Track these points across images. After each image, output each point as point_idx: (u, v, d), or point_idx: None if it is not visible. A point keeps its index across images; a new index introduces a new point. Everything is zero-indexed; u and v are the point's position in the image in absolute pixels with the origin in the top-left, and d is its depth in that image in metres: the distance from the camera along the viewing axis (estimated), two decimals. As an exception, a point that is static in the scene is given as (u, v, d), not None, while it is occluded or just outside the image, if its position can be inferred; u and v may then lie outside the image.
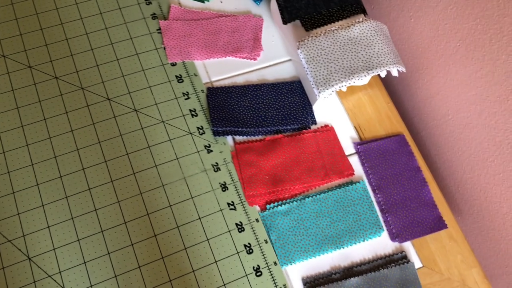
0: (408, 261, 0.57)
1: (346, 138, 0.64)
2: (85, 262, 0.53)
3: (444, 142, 0.65)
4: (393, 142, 0.64)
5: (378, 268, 0.56)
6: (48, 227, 0.54)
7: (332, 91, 0.59)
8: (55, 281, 0.52)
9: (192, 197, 0.58)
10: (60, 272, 0.52)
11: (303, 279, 0.55)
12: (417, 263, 0.58)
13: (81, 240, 0.54)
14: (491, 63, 0.52)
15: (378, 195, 0.60)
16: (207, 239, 0.56)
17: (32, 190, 0.56)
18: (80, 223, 0.55)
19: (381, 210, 0.60)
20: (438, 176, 0.68)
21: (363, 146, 0.63)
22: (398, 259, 0.57)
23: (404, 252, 0.58)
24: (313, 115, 0.65)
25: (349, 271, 0.56)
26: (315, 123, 0.64)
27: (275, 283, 0.54)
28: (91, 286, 0.52)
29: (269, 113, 0.64)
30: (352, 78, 0.58)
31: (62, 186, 0.57)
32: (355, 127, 0.65)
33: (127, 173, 0.58)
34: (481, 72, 0.54)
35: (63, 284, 0.52)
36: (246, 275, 0.54)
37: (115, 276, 0.53)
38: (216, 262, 0.55)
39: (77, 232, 0.54)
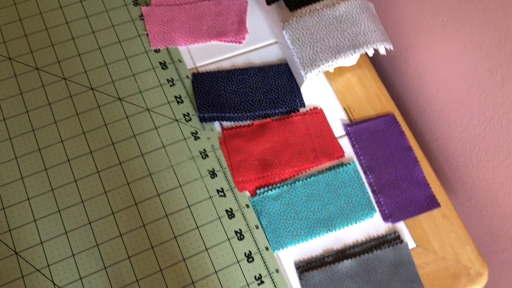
0: (402, 242, 0.56)
1: (336, 120, 0.63)
2: (73, 255, 0.52)
3: (435, 120, 0.64)
4: (383, 122, 0.63)
5: (371, 250, 0.55)
6: (35, 220, 0.53)
7: (319, 71, 0.58)
8: (43, 275, 0.51)
9: (180, 185, 0.57)
10: (48, 265, 0.52)
11: (295, 263, 0.54)
12: (410, 243, 0.57)
13: (68, 233, 0.53)
14: (479, 36, 0.51)
15: (369, 176, 0.60)
16: (197, 227, 0.55)
17: (17, 184, 0.55)
18: (67, 215, 0.54)
19: (373, 191, 0.59)
20: (430, 155, 0.67)
21: (353, 127, 0.62)
22: (391, 239, 0.57)
23: (397, 233, 0.57)
24: (302, 97, 0.64)
25: (342, 254, 0.55)
26: (304, 106, 0.63)
27: (267, 268, 0.54)
28: (81, 278, 0.51)
29: (256, 97, 0.63)
30: (338, 57, 0.57)
31: (48, 179, 0.56)
32: (344, 109, 0.64)
33: (113, 163, 0.57)
34: (469, 46, 0.53)
35: (51, 277, 0.51)
36: (238, 261, 0.54)
37: (105, 268, 0.52)
38: (207, 249, 0.54)
39: (64, 225, 0.54)
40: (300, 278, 0.53)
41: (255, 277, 0.53)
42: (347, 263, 0.54)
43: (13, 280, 0.51)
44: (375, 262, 0.54)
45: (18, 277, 0.51)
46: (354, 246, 0.56)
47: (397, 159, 0.61)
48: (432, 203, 0.59)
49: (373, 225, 0.58)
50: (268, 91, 0.63)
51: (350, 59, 0.62)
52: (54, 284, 0.51)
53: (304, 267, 0.54)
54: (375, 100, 0.65)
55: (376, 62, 0.71)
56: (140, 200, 0.56)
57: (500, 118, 0.52)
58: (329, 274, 0.53)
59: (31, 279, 0.51)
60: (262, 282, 0.53)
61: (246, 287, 0.53)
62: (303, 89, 0.64)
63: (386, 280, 0.54)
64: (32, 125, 0.58)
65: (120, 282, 0.52)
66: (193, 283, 0.52)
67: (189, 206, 0.56)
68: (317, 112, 0.63)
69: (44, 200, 0.55)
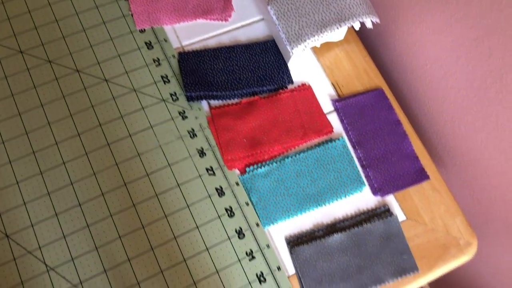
0: (391, 214, 0.56)
1: (324, 95, 0.63)
2: (64, 236, 0.52)
3: (424, 93, 0.64)
4: (371, 96, 0.63)
5: (361, 223, 0.56)
6: (24, 203, 0.54)
7: (306, 46, 0.57)
8: (35, 257, 0.51)
9: (169, 165, 0.57)
10: (39, 247, 0.52)
11: (286, 239, 0.55)
12: (400, 216, 0.57)
13: (59, 215, 0.53)
14: (465, 5, 0.50)
15: (358, 151, 0.60)
16: (187, 206, 0.55)
17: (5, 168, 0.55)
18: (56, 197, 0.54)
19: (362, 166, 0.59)
20: (420, 129, 0.67)
21: (341, 102, 0.62)
22: (381, 213, 0.57)
23: (386, 206, 0.57)
24: (289, 74, 0.63)
25: (332, 228, 0.56)
26: (292, 83, 0.63)
27: (258, 243, 0.54)
28: (72, 259, 0.52)
29: (243, 75, 0.62)
30: (324, 32, 0.56)
31: (36, 162, 0.55)
32: (332, 84, 0.64)
33: (101, 145, 0.57)
34: (456, 16, 0.52)
35: (43, 259, 0.51)
36: (229, 238, 0.54)
37: (96, 248, 0.52)
38: (197, 227, 0.54)
39: (54, 207, 0.54)
40: (291, 253, 0.54)
41: (246, 252, 0.54)
42: (337, 237, 0.54)
43: (5, 263, 0.51)
44: (365, 235, 0.55)
45: (10, 259, 0.51)
46: (344, 220, 0.56)
47: (386, 133, 0.61)
48: (421, 176, 0.59)
49: (362, 199, 0.58)
50: (256, 68, 0.63)
51: (337, 34, 0.61)
52: (46, 265, 0.51)
53: (295, 242, 0.54)
54: (363, 75, 0.65)
55: (363, 36, 0.70)
56: (129, 180, 0.55)
57: (488, 88, 0.52)
58: (319, 248, 0.53)
59: (23, 261, 0.51)
60: (253, 257, 0.53)
61: (238, 262, 0.53)
62: (291, 66, 0.63)
63: (376, 252, 0.54)
64: (18, 109, 0.58)
65: (111, 262, 0.52)
66: (184, 261, 0.53)
67: (178, 185, 0.56)
68: (305, 89, 0.63)
69: (33, 183, 0.54)
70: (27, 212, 0.53)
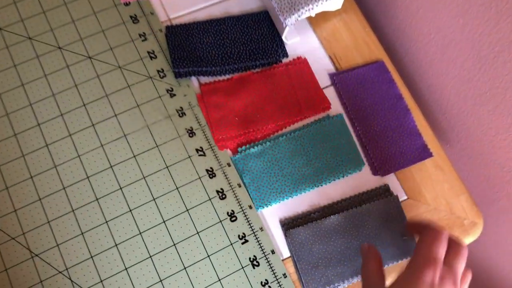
0: (391, 194, 0.53)
1: (321, 69, 0.59)
2: (48, 222, 0.50)
3: (428, 65, 0.60)
4: (371, 69, 0.59)
5: (359, 204, 0.53)
6: (7, 188, 0.51)
7: (299, 16, 0.53)
8: (19, 243, 0.49)
9: (157, 146, 0.54)
10: (23, 233, 0.50)
11: (280, 221, 0.52)
12: (401, 195, 0.55)
13: (42, 199, 0.51)
14: (472, -34, 0.46)
15: (357, 128, 0.56)
16: (177, 188, 0.52)
17: (-14, 151, 0.53)
18: (40, 181, 0.52)
19: (361, 143, 0.56)
20: (423, 103, 0.64)
21: (339, 76, 0.58)
22: (381, 193, 0.54)
23: (387, 185, 0.54)
24: (284, 47, 0.59)
25: (329, 209, 0.53)
26: (287, 56, 0.59)
27: (251, 226, 0.52)
28: (57, 245, 0.50)
29: (235, 49, 0.59)
30: (319, 0, 0.52)
31: (18, 145, 0.53)
32: (330, 57, 0.60)
33: (85, 125, 0.54)
34: (462, -20, 0.48)
35: (27, 245, 0.49)
36: (220, 221, 0.52)
37: (82, 233, 0.50)
38: (187, 210, 0.52)
39: (37, 191, 0.51)
40: (285, 236, 0.51)
41: (238, 236, 0.51)
42: (334, 218, 0.51)
43: (-12, 250, 0.49)
44: (364, 216, 0.52)
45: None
46: (341, 201, 0.53)
47: (387, 108, 0.57)
48: (424, 153, 0.56)
49: (362, 179, 0.55)
50: (248, 41, 0.59)
51: (334, 2, 0.57)
52: (30, 251, 0.49)
53: (290, 224, 0.52)
54: (363, 47, 0.61)
55: (363, 5, 0.66)
56: (115, 162, 0.53)
57: (495, 57, 0.48)
58: (315, 230, 0.51)
59: (7, 247, 0.49)
60: (246, 241, 0.51)
61: (230, 246, 0.51)
62: (285, 38, 0.59)
63: (376, 234, 0.51)
64: (-2, 89, 0.55)
65: (98, 247, 0.50)
66: (174, 245, 0.50)
67: (167, 167, 0.53)
68: (301, 62, 0.59)
69: (16, 167, 0.52)
70: (10, 198, 0.51)
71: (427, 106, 0.64)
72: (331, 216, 0.52)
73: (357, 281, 0.50)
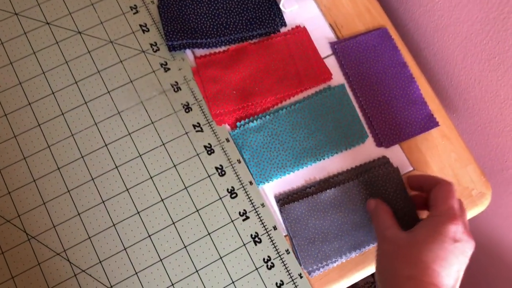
0: (391, 165, 0.51)
1: (321, 38, 0.57)
2: (44, 203, 0.49)
3: (433, 31, 0.57)
4: (374, 37, 0.56)
5: (357, 177, 0.51)
6: (0, 170, 0.50)
7: (296, -18, 0.51)
8: (14, 225, 0.48)
9: (152, 122, 0.52)
10: (19, 216, 0.49)
11: (275, 196, 0.51)
12: (407, 166, 0.53)
13: (36, 181, 0.50)
14: None
15: (360, 98, 0.54)
16: (174, 165, 0.51)
17: (-23, 133, 0.51)
18: (33, 162, 0.50)
19: (364, 114, 0.54)
20: (428, 71, 0.61)
21: (341, 44, 0.56)
22: (379, 164, 0.52)
23: (385, 157, 0.52)
24: (282, 16, 0.57)
25: (326, 183, 0.51)
26: (285, 25, 0.57)
27: (252, 203, 0.50)
28: (54, 226, 0.48)
29: (231, 19, 0.56)
30: (317, -37, 0.50)
31: (9, 125, 0.51)
32: (330, 25, 0.57)
33: (78, 104, 0.52)
34: None
35: (23, 227, 0.48)
36: (220, 198, 0.50)
37: (78, 214, 0.49)
38: (186, 188, 0.50)
39: (31, 172, 0.50)
40: (280, 211, 0.50)
41: (239, 213, 0.50)
42: (330, 192, 0.50)
43: (-17, 233, 0.48)
44: (361, 189, 0.50)
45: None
46: (338, 174, 0.52)
47: (391, 77, 0.55)
48: (430, 123, 0.54)
49: (365, 151, 0.53)
50: (244, 11, 0.56)
51: (333, -34, 0.54)
52: (26, 233, 0.48)
53: (285, 200, 0.50)
54: (365, 14, 0.58)
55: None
56: (110, 141, 0.51)
57: (505, 18, 0.45)
58: (311, 205, 0.49)
59: (2, 230, 0.48)
60: (247, 217, 0.50)
61: (230, 223, 0.50)
62: (283, 6, 0.57)
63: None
64: (-15, 68, 0.53)
65: (96, 228, 0.49)
66: (173, 223, 0.49)
67: (163, 144, 0.51)
68: (300, 31, 0.57)
69: (8, 148, 0.51)
70: (4, 180, 0.49)
71: (432, 73, 0.61)
72: (327, 190, 0.50)
73: (355, 255, 0.49)
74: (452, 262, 0.38)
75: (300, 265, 0.48)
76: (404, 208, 0.48)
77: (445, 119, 0.55)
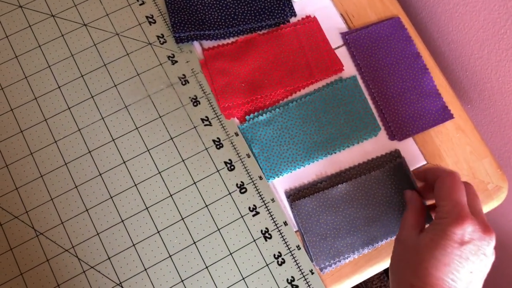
0: (401, 158, 0.50)
1: (332, 28, 0.55)
2: (52, 199, 0.48)
3: (448, 20, 0.55)
4: (387, 27, 0.55)
5: (369, 171, 0.50)
6: (6, 166, 0.49)
7: (307, -29, 0.49)
8: (22, 221, 0.48)
9: (160, 116, 0.51)
10: (26, 212, 0.48)
11: (286, 192, 0.50)
12: (420, 160, 0.51)
13: (44, 176, 0.49)
14: None
15: (372, 90, 0.53)
16: (183, 160, 0.50)
17: (-17, 128, 0.50)
18: (40, 157, 0.50)
19: (377, 107, 0.53)
20: (442, 62, 0.59)
21: (352, 35, 0.54)
22: (391, 158, 0.51)
23: (397, 150, 0.51)
24: (291, 5, 0.55)
25: (337, 178, 0.50)
26: (295, 15, 0.55)
27: (262, 198, 0.49)
28: (62, 223, 0.48)
29: (239, 9, 0.54)
30: (328, -50, 0.48)
31: (16, 121, 0.51)
32: (341, 15, 0.56)
33: (84, 98, 0.51)
34: None
35: (31, 223, 0.48)
36: (230, 193, 0.49)
37: (86, 210, 0.48)
38: (195, 183, 0.49)
39: (38, 168, 0.49)
40: (291, 207, 0.49)
41: (249, 208, 0.49)
42: (342, 187, 0.48)
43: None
44: (373, 183, 0.49)
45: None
46: (350, 169, 0.50)
47: (404, 68, 0.54)
48: (444, 115, 0.52)
49: (378, 144, 0.52)
50: (252, 1, 0.55)
51: (345, -47, 0.52)
52: (34, 230, 0.48)
53: (296, 195, 0.49)
54: (377, 3, 0.56)
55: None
56: (117, 135, 0.50)
57: (525, 6, 0.44)
58: (322, 200, 0.48)
59: (10, 226, 0.48)
60: (257, 213, 0.49)
61: (240, 219, 0.49)
62: (293, -4, 0.55)
63: (387, 202, 0.48)
64: (-9, 62, 0.52)
65: (104, 224, 0.48)
66: (182, 219, 0.48)
67: (171, 139, 0.51)
68: (310, 22, 0.55)
69: (14, 143, 0.50)
70: (10, 175, 0.49)
71: (447, 64, 0.59)
72: (339, 185, 0.49)
73: (367, 251, 0.48)
74: (459, 266, 0.35)
75: (312, 262, 0.47)
76: None
77: (459, 111, 0.53)
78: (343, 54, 0.54)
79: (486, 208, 0.51)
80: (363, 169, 0.50)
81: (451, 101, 0.53)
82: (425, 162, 0.51)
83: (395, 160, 0.50)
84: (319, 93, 0.52)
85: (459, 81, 0.59)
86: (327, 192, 0.48)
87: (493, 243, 0.37)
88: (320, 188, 0.49)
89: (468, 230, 0.36)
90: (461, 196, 0.38)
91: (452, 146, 0.52)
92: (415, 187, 0.47)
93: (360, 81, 0.53)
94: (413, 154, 0.51)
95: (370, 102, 0.53)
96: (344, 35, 0.55)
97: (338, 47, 0.55)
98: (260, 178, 0.50)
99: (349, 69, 0.54)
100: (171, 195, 0.49)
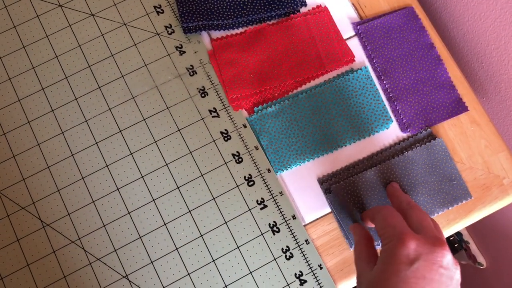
0: (435, 138, 0.49)
1: (344, 18, 0.54)
2: (58, 190, 0.48)
3: (463, 9, 0.54)
4: (400, 16, 0.53)
5: (401, 152, 0.49)
6: (14, 156, 0.49)
7: (318, -42, 0.48)
8: (29, 212, 0.48)
9: (167, 107, 0.50)
10: (33, 203, 0.48)
11: (318, 179, 0.49)
12: (433, 154, 0.50)
13: (50, 167, 0.49)
14: None
15: (384, 82, 0.51)
16: (190, 152, 0.49)
17: (-9, 118, 0.50)
18: (47, 148, 0.49)
19: (389, 98, 0.51)
20: (457, 53, 0.58)
21: (364, 25, 0.53)
22: (423, 138, 0.50)
23: (428, 129, 0.50)
24: (302, -5, 0.54)
25: (370, 161, 0.49)
26: (305, 5, 0.54)
27: (270, 191, 0.48)
28: (68, 214, 0.48)
29: (248, -1, 0.53)
30: None
31: (23, 111, 0.50)
32: (353, 4, 0.54)
33: (91, 88, 0.51)
34: None
35: (38, 214, 0.48)
36: (237, 186, 0.48)
37: (93, 201, 0.48)
38: (202, 175, 0.49)
39: (45, 158, 0.49)
40: (325, 193, 0.48)
41: (257, 201, 0.48)
42: (374, 170, 0.48)
43: (-1, 220, 0.47)
44: (407, 164, 0.48)
45: (3, 216, 0.47)
46: (382, 151, 0.50)
47: (417, 59, 0.52)
48: (458, 107, 0.51)
49: (389, 137, 0.50)
50: (262, -10, 0.54)
51: None
52: (41, 221, 0.47)
53: (329, 181, 0.48)
54: (390, -9, 0.55)
55: None
56: (125, 126, 0.50)
57: (545, -6, 0.42)
58: (356, 184, 0.47)
59: (17, 217, 0.47)
60: (265, 206, 0.48)
61: (248, 212, 0.48)
62: (303, -15, 0.54)
63: (421, 182, 0.48)
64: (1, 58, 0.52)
65: (110, 216, 0.48)
66: (189, 211, 0.48)
67: (179, 130, 0.50)
68: (321, 11, 0.54)
69: (21, 134, 0.50)
70: (17, 166, 0.49)
71: (461, 55, 0.58)
72: (372, 168, 0.48)
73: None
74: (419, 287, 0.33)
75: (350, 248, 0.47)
76: (452, 180, 0.48)
77: (474, 104, 0.51)
78: (354, 45, 0.53)
79: (501, 203, 0.49)
80: (395, 150, 0.49)
81: (465, 93, 0.52)
82: (438, 156, 0.50)
83: (427, 139, 0.49)
84: (329, 84, 0.51)
85: (474, 73, 0.57)
86: (360, 176, 0.47)
87: (448, 253, 0.34)
88: (353, 173, 0.48)
89: (411, 247, 0.34)
90: (398, 219, 0.37)
91: (466, 140, 0.51)
92: (454, 165, 0.48)
93: (371, 73, 0.52)
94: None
95: (381, 93, 0.52)
96: (355, 25, 0.53)
97: (350, 37, 0.53)
98: (269, 170, 0.49)
99: (361, 60, 0.53)
100: (178, 187, 0.48)
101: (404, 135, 0.50)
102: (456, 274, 0.34)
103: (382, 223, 0.38)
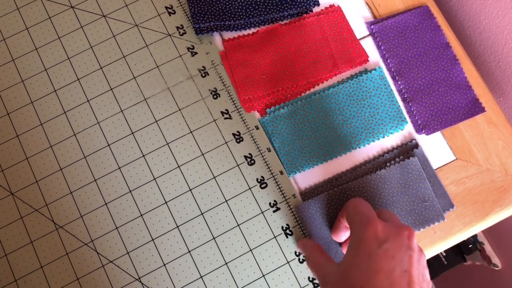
0: (409, 156, 0.48)
1: (357, 18, 0.53)
2: (71, 192, 0.48)
3: (480, 8, 0.53)
4: (414, 16, 0.52)
5: (380, 168, 0.48)
6: (27, 158, 0.49)
7: (331, -43, 0.47)
8: (42, 214, 0.48)
9: (179, 109, 0.50)
10: (46, 205, 0.48)
11: (301, 193, 0.48)
12: (449, 155, 0.49)
13: (63, 169, 0.49)
14: None
15: (399, 82, 0.51)
16: (202, 154, 0.49)
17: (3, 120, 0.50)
18: (60, 150, 0.49)
19: (403, 99, 0.50)
20: (473, 52, 0.57)
21: (378, 25, 0.52)
22: (408, 150, 0.48)
23: (414, 141, 0.49)
24: (314, -6, 0.53)
25: (352, 174, 0.48)
26: (318, 4, 0.53)
27: (282, 193, 0.48)
28: (81, 216, 0.48)
29: (260, -1, 0.53)
30: None
31: (36, 113, 0.50)
32: (367, 3, 0.54)
33: (103, 90, 0.51)
34: None
35: (51, 217, 0.48)
36: (250, 188, 0.48)
37: (105, 204, 0.48)
38: (214, 177, 0.48)
39: (58, 161, 0.49)
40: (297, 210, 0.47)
41: (269, 204, 0.48)
42: (346, 187, 0.47)
43: (12, 222, 0.48)
44: (379, 183, 0.47)
45: (16, 218, 0.48)
46: (365, 163, 0.48)
47: (432, 59, 0.51)
48: (475, 108, 0.50)
49: (404, 138, 0.50)
50: (274, -10, 0.53)
51: None
52: (54, 223, 0.47)
53: (307, 195, 0.48)
54: (405, -10, 0.54)
55: None
56: (136, 128, 0.50)
57: None
58: (327, 201, 0.46)
59: (31, 219, 0.48)
60: (277, 208, 0.48)
61: (261, 215, 0.47)
62: (316, -16, 0.53)
63: (394, 201, 0.46)
64: (11, 54, 0.52)
65: (123, 218, 0.48)
66: (202, 214, 0.47)
67: (191, 132, 0.49)
68: (334, 11, 0.53)
69: (34, 136, 0.50)
70: (30, 168, 0.49)
71: (478, 54, 0.56)
72: (344, 185, 0.47)
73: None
74: (388, 268, 0.33)
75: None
76: (424, 201, 0.46)
77: (491, 104, 0.50)
78: (368, 45, 0.52)
79: (519, 206, 0.48)
80: (378, 164, 0.48)
81: (482, 93, 0.50)
82: (454, 158, 0.49)
83: (408, 153, 0.48)
84: (343, 85, 0.50)
85: (491, 73, 0.56)
86: (331, 193, 0.46)
87: (413, 236, 0.35)
88: (324, 190, 0.47)
89: (379, 228, 0.35)
90: (367, 207, 0.38)
91: (483, 141, 0.50)
92: (427, 186, 0.46)
93: (386, 73, 0.51)
94: (442, 149, 0.49)
95: (396, 94, 0.51)
96: (369, 24, 0.52)
97: (363, 37, 0.53)
98: (281, 173, 0.48)
99: (375, 60, 0.52)
100: (190, 190, 0.48)
101: (389, 146, 0.49)
102: (422, 259, 0.35)
103: (352, 212, 0.39)
